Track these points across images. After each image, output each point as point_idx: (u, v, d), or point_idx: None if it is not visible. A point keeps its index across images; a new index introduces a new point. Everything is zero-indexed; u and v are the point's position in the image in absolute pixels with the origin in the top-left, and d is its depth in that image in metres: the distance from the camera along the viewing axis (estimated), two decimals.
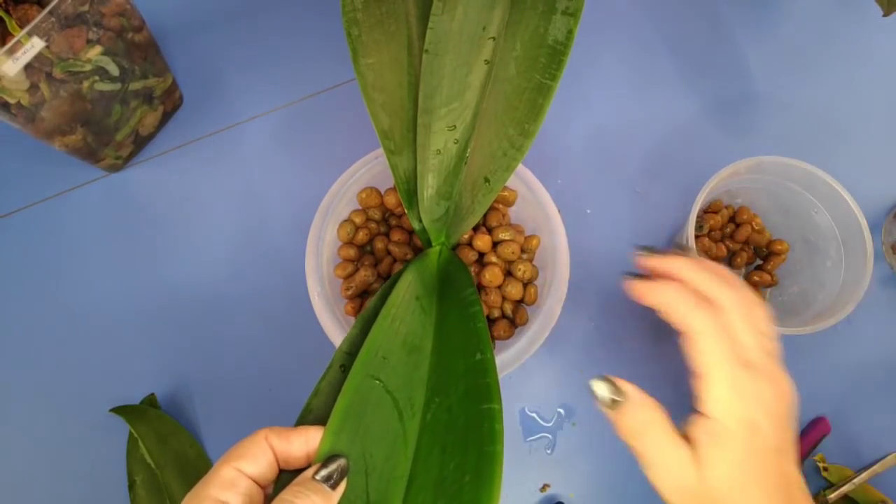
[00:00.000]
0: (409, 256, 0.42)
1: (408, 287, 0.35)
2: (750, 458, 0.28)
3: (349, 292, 0.42)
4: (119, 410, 0.47)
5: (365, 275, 0.43)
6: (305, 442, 0.28)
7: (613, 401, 0.30)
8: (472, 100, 0.36)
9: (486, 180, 0.37)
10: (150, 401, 0.48)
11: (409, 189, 0.37)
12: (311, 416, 0.29)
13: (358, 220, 0.44)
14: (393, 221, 0.46)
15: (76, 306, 0.51)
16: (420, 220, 0.38)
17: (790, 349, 0.52)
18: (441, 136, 0.36)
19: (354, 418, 0.28)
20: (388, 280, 0.36)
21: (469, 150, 0.37)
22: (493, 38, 0.35)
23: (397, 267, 0.43)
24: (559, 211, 0.43)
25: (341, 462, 0.27)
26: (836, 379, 0.52)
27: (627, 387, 0.30)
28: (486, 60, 0.35)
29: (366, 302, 0.43)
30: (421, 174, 0.36)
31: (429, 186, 0.36)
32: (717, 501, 0.28)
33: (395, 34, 0.35)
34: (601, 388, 0.30)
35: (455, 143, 0.36)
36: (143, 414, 0.47)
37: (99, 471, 0.47)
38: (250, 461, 0.26)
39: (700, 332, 0.29)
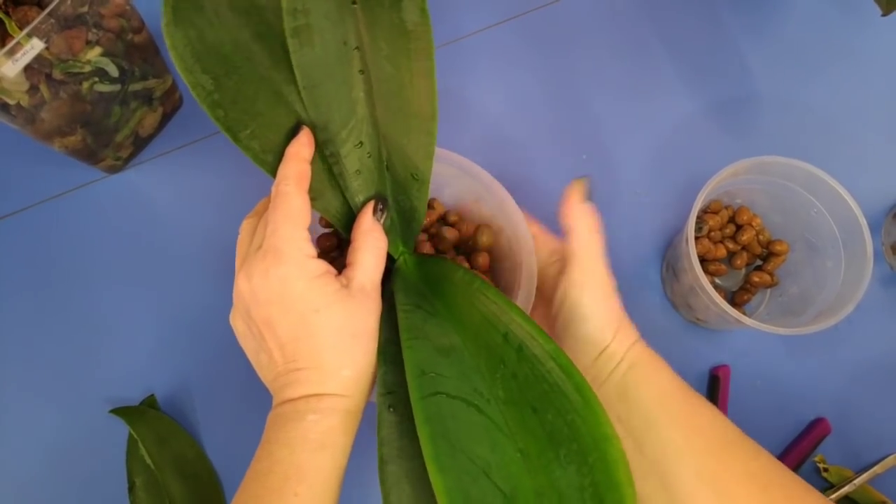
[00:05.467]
0: None
1: (406, 305, 0.35)
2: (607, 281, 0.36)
3: None
4: (119, 412, 0.47)
5: None
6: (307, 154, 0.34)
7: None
8: (365, 111, 0.36)
9: (414, 176, 0.37)
10: (150, 402, 0.48)
11: (349, 221, 0.37)
12: (393, 465, 0.30)
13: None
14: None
15: (76, 307, 0.51)
16: None
17: (790, 349, 0.53)
18: (354, 157, 0.36)
19: (443, 438, 0.28)
20: (383, 314, 0.36)
21: (384, 156, 0.37)
22: (357, 48, 0.35)
23: None
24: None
25: (382, 200, 0.36)
26: (836, 379, 0.52)
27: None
28: (360, 71, 0.36)
29: None
30: (351, 200, 0.37)
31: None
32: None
33: (259, 94, 0.35)
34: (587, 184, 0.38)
35: (369, 156, 0.37)
36: (142, 415, 0.47)
37: (99, 472, 0.47)
38: (305, 218, 0.33)
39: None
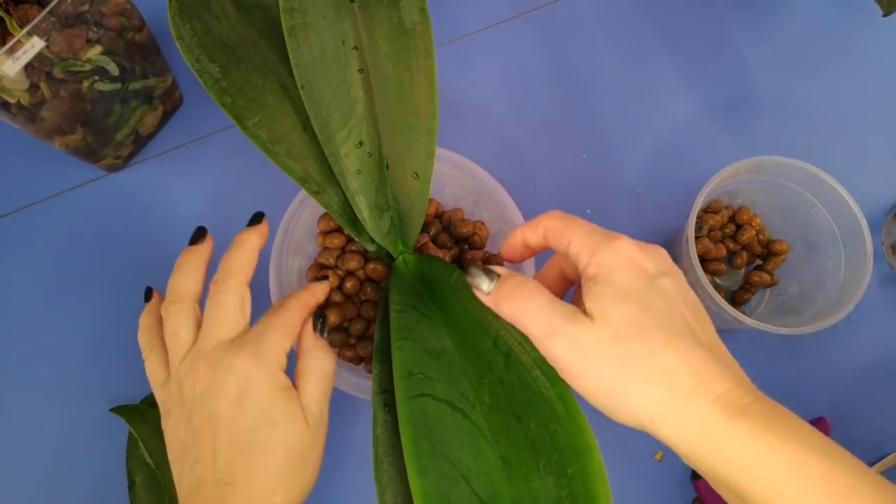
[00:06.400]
0: (369, 268, 0.43)
1: (399, 304, 0.35)
2: (647, 299, 0.26)
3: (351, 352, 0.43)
4: (119, 410, 0.47)
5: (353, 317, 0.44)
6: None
7: (490, 284, 0.30)
8: (365, 110, 0.36)
9: (415, 175, 0.37)
10: (150, 400, 0.48)
11: (350, 218, 0.37)
12: (385, 464, 0.30)
13: (341, 275, 0.44)
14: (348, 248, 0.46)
15: (75, 305, 0.50)
16: (373, 241, 0.38)
17: (790, 349, 0.53)
18: (354, 157, 0.36)
19: (426, 441, 0.28)
20: (379, 312, 0.37)
21: (384, 156, 0.37)
22: (356, 48, 0.35)
23: (367, 287, 0.44)
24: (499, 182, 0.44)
25: (320, 313, 0.34)
26: (836, 379, 0.52)
27: (500, 269, 0.31)
28: (359, 70, 0.35)
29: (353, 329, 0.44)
30: (352, 199, 0.36)
31: (364, 207, 0.37)
32: (614, 349, 0.26)
33: (267, 85, 0.35)
34: (477, 275, 0.31)
35: (369, 156, 0.36)
36: (143, 414, 0.47)
37: (98, 471, 0.47)
38: (296, 333, 0.33)
39: (578, 224, 0.30)
